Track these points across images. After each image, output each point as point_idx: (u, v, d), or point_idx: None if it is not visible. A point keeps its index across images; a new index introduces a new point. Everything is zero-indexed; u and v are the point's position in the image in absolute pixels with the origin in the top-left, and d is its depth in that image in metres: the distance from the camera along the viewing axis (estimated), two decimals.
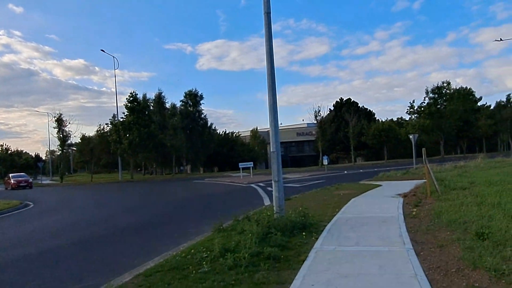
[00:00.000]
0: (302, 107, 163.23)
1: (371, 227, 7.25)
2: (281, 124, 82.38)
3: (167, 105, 51.01)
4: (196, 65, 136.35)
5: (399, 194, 11.97)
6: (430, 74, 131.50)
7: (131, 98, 43.96)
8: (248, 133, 69.65)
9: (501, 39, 31.62)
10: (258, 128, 70.01)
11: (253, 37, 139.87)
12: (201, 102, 49.98)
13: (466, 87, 54.23)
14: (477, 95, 56.44)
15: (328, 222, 7.98)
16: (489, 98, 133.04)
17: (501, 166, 19.70)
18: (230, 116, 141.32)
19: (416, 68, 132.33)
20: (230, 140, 62.07)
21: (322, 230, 7.10)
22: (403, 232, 6.53)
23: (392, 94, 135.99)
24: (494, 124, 53.84)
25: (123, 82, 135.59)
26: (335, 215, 8.92)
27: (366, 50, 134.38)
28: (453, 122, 48.85)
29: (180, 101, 49.82)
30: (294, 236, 6.66)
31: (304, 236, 6.62)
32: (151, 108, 48.99)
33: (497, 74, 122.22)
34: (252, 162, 26.33)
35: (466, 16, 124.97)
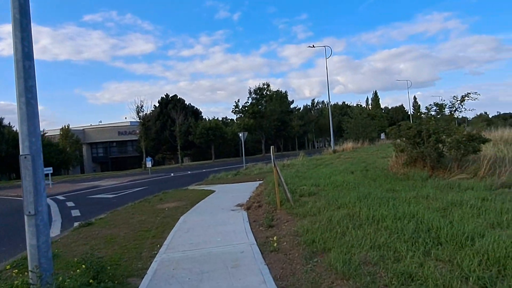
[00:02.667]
0: (127, 106, 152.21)
1: (215, 283, 4.16)
2: (101, 122, 73.30)
3: None
4: None
5: (240, 205, 9.43)
6: (248, 80, 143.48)
7: None
8: (58, 132, 58.56)
9: (313, 46, 34.18)
10: (70, 126, 59.68)
11: (68, 25, 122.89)
12: None
13: (281, 90, 58.91)
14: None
15: (142, 278, 4.52)
16: (294, 104, 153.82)
17: (324, 164, 20.03)
18: (39, 112, 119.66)
19: (236, 74, 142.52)
20: None
21: None
22: None
23: (215, 97, 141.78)
24: (303, 125, 60.29)
25: None
26: (156, 255, 5.52)
27: (191, 53, 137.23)
28: (272, 122, 51.90)
29: None
30: None
31: None
32: None
33: (298, 84, 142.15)
34: (50, 168, 20.09)
35: (275, 32, 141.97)
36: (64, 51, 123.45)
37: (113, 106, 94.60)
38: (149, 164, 27.30)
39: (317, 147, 74.85)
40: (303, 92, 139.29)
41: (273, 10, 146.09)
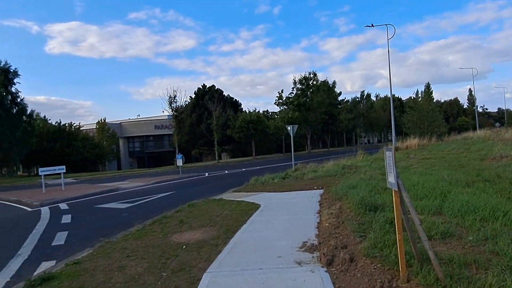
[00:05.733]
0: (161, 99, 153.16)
1: None
2: (139, 115, 71.75)
3: None
4: (45, 48, 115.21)
5: (309, 248, 5.30)
6: (288, 74, 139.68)
7: None
8: (94, 126, 57.22)
9: (372, 25, 29.29)
10: (106, 120, 58.12)
11: (114, 23, 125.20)
12: (14, 81, 36.47)
13: (328, 80, 53.54)
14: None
15: None
16: (341, 97, 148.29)
17: (398, 166, 15.37)
18: (88, 108, 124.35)
19: (276, 68, 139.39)
20: (67, 133, 49.00)
21: None
22: None
23: (255, 91, 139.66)
24: (352, 119, 54.84)
25: None
26: None
27: (232, 48, 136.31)
28: (319, 115, 47.04)
29: None
30: None
31: None
32: None
33: (339, 78, 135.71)
34: (63, 167, 16.97)
35: (316, 26, 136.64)
36: (110, 49, 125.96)
37: (156, 101, 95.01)
38: (179, 162, 23.78)
39: (365, 143, 68.94)
40: (344, 86, 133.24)
41: (314, 3, 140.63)
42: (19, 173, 48.46)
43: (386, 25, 27.56)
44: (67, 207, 12.48)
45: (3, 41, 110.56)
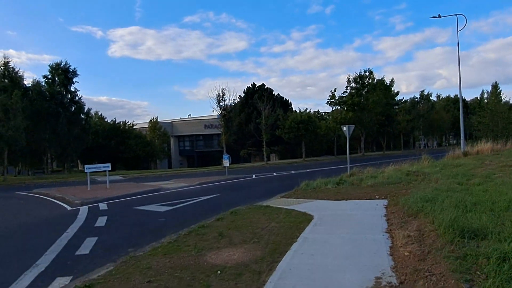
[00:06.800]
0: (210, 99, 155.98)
1: None
2: (190, 115, 72.78)
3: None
4: (107, 51, 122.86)
5: None
6: (339, 76, 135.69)
7: None
8: (146, 124, 58.61)
9: (439, 16, 26.57)
10: (158, 119, 59.30)
11: (170, 27, 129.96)
12: (73, 80, 37.89)
13: (385, 79, 49.95)
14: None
15: None
16: (398, 96, 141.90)
17: (476, 174, 13.08)
18: (145, 108, 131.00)
19: (327, 69, 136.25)
20: (121, 131, 50.52)
21: None
22: None
23: (305, 93, 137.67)
24: (411, 120, 50.98)
25: (20, 64, 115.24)
26: None
27: (282, 49, 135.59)
28: (374, 116, 44.09)
29: (44, 77, 37.08)
30: None
31: None
32: None
33: (395, 79, 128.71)
34: (108, 164, 16.63)
35: (370, 25, 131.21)
36: (166, 51, 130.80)
37: (206, 102, 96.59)
38: (226, 162, 22.85)
39: (423, 147, 64.24)
40: (399, 87, 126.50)
41: (369, 1, 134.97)
42: (79, 168, 50.78)
43: (456, 15, 24.69)
44: (106, 208, 11.84)
45: (71, 46, 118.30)
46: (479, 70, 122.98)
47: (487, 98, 72.08)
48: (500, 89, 42.81)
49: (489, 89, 46.23)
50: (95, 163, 30.65)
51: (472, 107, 58.00)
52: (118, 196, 14.38)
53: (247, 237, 6.51)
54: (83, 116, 40.15)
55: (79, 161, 51.78)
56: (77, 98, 38.84)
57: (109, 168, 16.96)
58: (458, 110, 59.87)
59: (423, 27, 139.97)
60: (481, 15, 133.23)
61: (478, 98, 68.65)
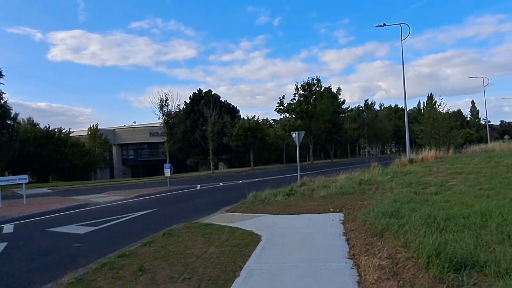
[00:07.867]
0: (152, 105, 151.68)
1: None
2: (134, 122, 69.04)
3: None
4: (47, 55, 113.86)
5: None
6: (287, 85, 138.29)
7: None
8: (86, 132, 54.46)
9: (384, 24, 26.89)
10: (99, 126, 55.37)
11: (117, 32, 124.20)
12: None
13: (331, 87, 50.67)
14: None
15: None
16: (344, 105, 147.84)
17: (429, 182, 12.62)
18: (88, 115, 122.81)
19: (275, 79, 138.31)
20: (56, 138, 46.18)
21: None
22: None
23: (254, 101, 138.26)
24: (357, 129, 52.04)
25: None
26: None
27: (232, 58, 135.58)
28: (322, 124, 44.18)
29: None
30: None
31: None
32: None
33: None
34: (25, 176, 14.17)
35: (316, 37, 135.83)
36: (112, 57, 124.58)
37: (153, 109, 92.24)
38: (167, 172, 21.07)
39: (368, 154, 66.14)
40: (344, 96, 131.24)
41: (314, 15, 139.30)
42: None
43: (400, 24, 25.03)
44: (11, 230, 9.69)
45: (6, 48, 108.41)
46: (415, 84, 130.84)
47: (423, 108, 76.63)
48: (435, 100, 45.52)
49: (425, 99, 49.01)
50: (28, 173, 27.18)
51: (411, 116, 60.95)
52: (32, 214, 12.12)
53: (176, 272, 5.05)
54: (9, 122, 35.88)
55: (7, 172, 46.58)
56: (1, 101, 34.61)
57: (26, 181, 14.49)
58: (400, 119, 62.64)
59: (364, 41, 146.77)
60: (416, 33, 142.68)
61: (416, 108, 72.60)
